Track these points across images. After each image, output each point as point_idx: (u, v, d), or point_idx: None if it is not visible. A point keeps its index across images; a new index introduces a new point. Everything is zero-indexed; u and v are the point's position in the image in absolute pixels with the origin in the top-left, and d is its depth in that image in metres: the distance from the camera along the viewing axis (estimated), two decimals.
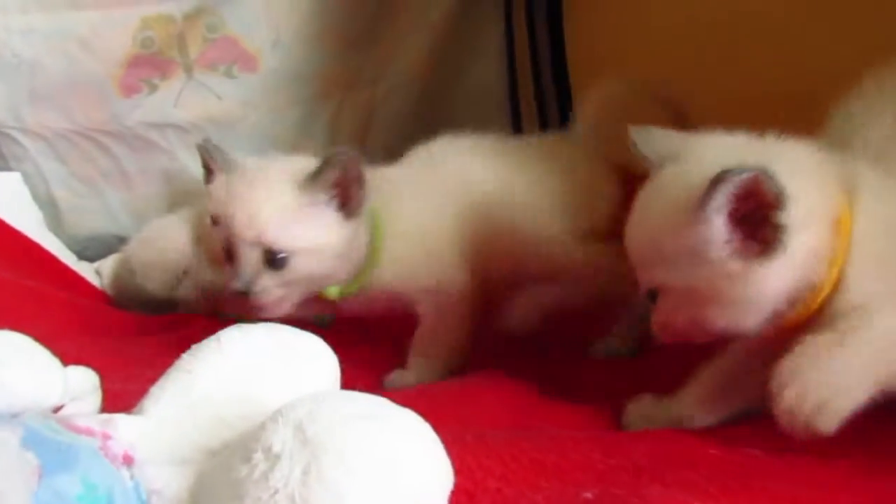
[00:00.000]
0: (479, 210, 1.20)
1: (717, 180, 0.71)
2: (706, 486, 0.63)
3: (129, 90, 1.81)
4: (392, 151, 2.03)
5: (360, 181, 1.09)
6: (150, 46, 1.79)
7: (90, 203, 1.89)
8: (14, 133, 1.79)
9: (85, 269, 1.75)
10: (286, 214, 1.07)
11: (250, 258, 1.07)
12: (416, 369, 1.17)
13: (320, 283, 1.13)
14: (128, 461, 0.51)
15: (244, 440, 0.48)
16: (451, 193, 1.22)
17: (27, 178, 1.83)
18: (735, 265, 0.74)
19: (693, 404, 0.88)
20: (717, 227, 0.73)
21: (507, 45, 2.04)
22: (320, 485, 0.43)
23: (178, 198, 1.87)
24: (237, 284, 1.07)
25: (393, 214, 1.18)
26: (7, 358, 0.54)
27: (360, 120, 2.00)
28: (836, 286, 0.75)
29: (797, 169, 0.76)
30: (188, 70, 1.84)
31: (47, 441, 0.45)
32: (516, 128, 2.07)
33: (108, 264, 1.76)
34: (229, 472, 0.47)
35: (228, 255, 1.10)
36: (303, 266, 1.08)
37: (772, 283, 0.74)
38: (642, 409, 0.92)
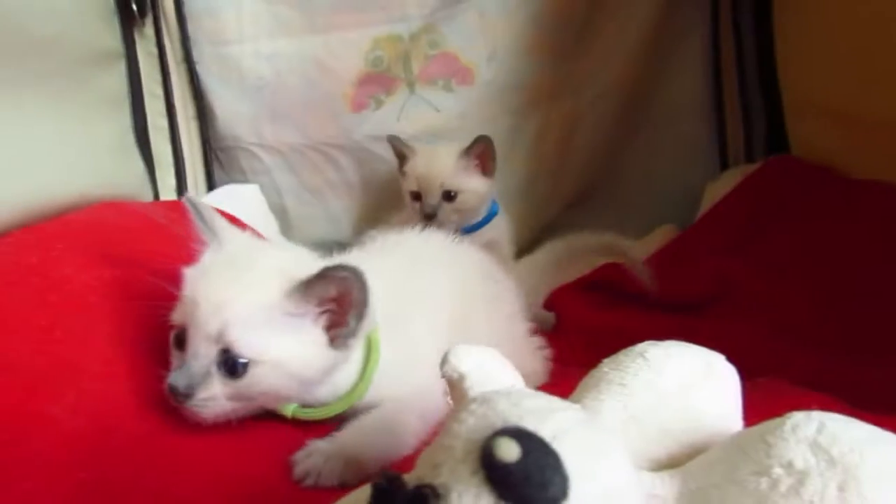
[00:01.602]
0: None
1: None
2: None
3: (358, 106, 1.94)
4: (595, 159, 2.09)
5: (358, 309, 0.88)
6: (378, 65, 1.92)
7: (315, 211, 2.04)
8: (254, 149, 1.95)
9: None
10: (261, 315, 0.86)
11: (204, 354, 0.86)
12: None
13: (281, 402, 0.93)
14: None
15: (745, 453, 0.54)
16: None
17: (262, 190, 1.98)
18: None
19: None
20: None
21: (712, 53, 2.04)
22: (860, 502, 0.48)
23: (394, 205, 1.97)
24: (179, 381, 0.84)
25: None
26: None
27: (565, 129, 2.06)
28: None
29: None
30: (410, 86, 1.96)
31: None
32: (720, 138, 2.08)
33: None
34: (743, 484, 0.52)
35: (178, 342, 0.89)
36: (265, 380, 0.87)
37: None
38: None
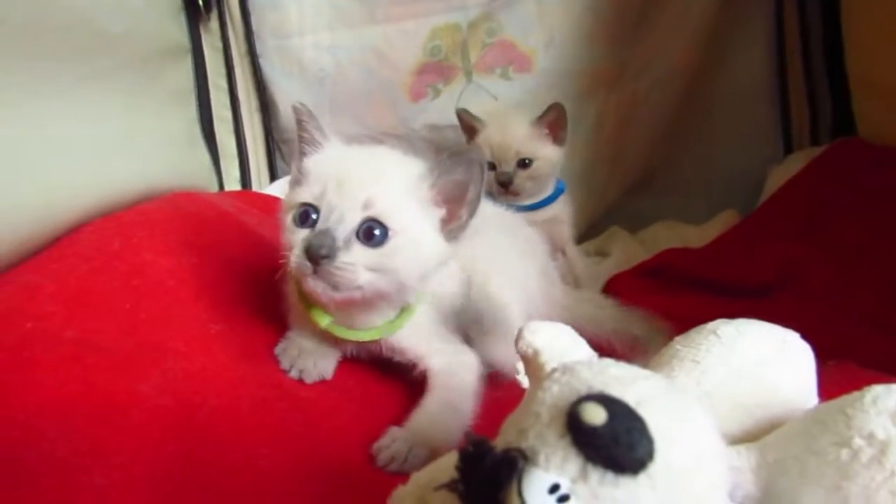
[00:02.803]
0: None
1: None
2: None
3: (416, 96, 1.97)
4: (655, 145, 2.08)
5: (472, 205, 0.94)
6: (437, 54, 1.94)
7: None
8: None
9: None
10: (403, 191, 0.92)
11: (349, 221, 0.89)
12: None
13: (401, 285, 0.94)
14: None
15: (824, 425, 0.54)
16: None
17: None
18: None
19: None
20: None
21: (776, 34, 2.01)
22: None
23: None
24: (322, 242, 0.87)
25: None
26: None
27: (624, 115, 2.05)
28: None
29: None
30: (468, 74, 1.97)
31: None
32: (785, 122, 2.04)
33: None
34: (823, 455, 0.53)
35: (302, 218, 0.92)
36: (400, 254, 0.90)
37: None
38: None
